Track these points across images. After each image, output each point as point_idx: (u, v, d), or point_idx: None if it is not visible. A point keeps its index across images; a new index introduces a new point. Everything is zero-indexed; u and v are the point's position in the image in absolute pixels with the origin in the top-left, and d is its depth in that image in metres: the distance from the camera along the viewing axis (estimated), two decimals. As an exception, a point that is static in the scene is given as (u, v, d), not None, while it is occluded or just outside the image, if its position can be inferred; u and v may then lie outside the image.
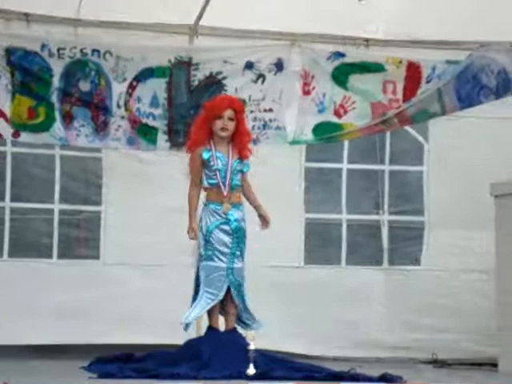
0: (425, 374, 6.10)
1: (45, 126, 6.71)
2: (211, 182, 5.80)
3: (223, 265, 5.73)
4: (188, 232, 5.77)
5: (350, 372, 5.58)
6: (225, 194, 5.76)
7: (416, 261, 7.54)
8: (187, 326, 5.74)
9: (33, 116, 6.68)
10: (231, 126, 5.79)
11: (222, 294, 5.72)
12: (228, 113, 5.79)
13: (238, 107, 5.86)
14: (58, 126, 6.72)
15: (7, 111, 6.64)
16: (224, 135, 5.80)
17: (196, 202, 5.85)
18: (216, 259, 5.74)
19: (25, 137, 6.71)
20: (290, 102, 7.09)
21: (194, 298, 5.80)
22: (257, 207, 5.89)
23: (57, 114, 6.72)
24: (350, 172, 7.56)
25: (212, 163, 5.78)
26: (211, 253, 5.75)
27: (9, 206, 7.05)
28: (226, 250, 5.74)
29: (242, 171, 5.84)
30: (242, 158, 5.84)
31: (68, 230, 7.16)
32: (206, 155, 5.80)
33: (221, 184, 5.77)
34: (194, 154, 5.83)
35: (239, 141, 5.83)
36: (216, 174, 5.77)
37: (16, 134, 6.71)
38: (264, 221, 5.87)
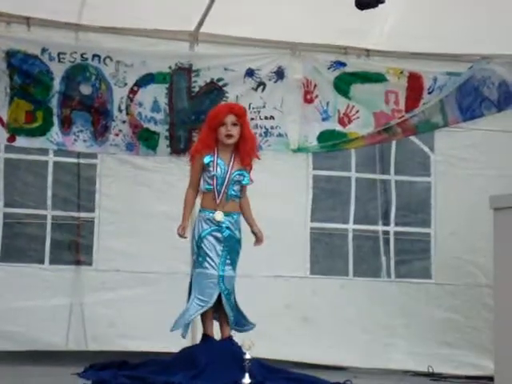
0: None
1: (42, 131, 6.68)
2: (207, 187, 5.79)
3: (214, 272, 5.71)
4: (178, 229, 5.74)
5: (346, 383, 5.55)
6: (217, 201, 5.74)
7: (423, 273, 7.48)
8: (185, 331, 5.71)
9: (30, 120, 6.65)
10: (235, 131, 5.79)
11: (212, 302, 5.70)
12: (230, 118, 5.78)
13: (239, 111, 5.85)
14: (55, 130, 6.69)
15: (4, 115, 6.60)
16: (230, 142, 5.79)
17: (191, 203, 5.87)
18: (208, 266, 5.72)
19: (20, 141, 6.68)
20: (291, 110, 7.07)
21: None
22: (251, 224, 5.89)
23: (55, 119, 6.69)
24: (357, 181, 7.50)
25: (211, 168, 5.77)
26: (202, 259, 5.74)
27: (2, 211, 7.00)
28: (216, 257, 5.72)
29: (241, 183, 5.82)
30: (244, 167, 5.82)
31: (61, 235, 7.12)
32: (206, 160, 5.80)
33: (215, 191, 5.75)
34: (196, 157, 5.83)
35: (243, 146, 5.82)
36: (213, 180, 5.75)
37: (11, 139, 6.67)
38: (258, 238, 5.87)
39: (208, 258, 5.73)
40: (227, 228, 5.77)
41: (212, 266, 5.73)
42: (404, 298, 7.36)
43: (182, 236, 5.79)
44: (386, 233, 7.49)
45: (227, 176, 5.77)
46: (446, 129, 7.13)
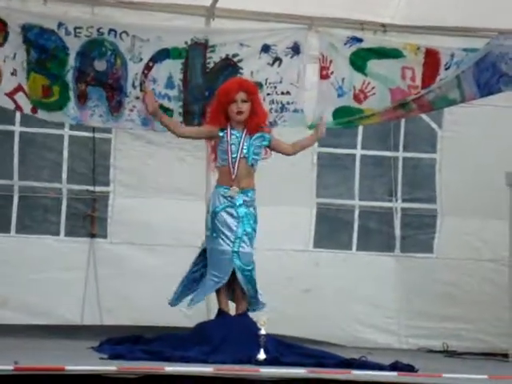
0: (436, 364, 6.06)
1: (59, 105, 6.67)
2: (223, 158, 5.78)
3: (228, 248, 5.72)
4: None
5: (361, 359, 5.57)
6: (233, 176, 5.76)
7: (428, 248, 7.50)
8: (191, 303, 5.77)
9: (47, 94, 6.64)
10: (246, 107, 5.78)
11: (226, 277, 5.72)
12: (241, 95, 5.78)
13: (250, 88, 5.85)
14: (72, 105, 6.69)
15: (25, 86, 6.60)
16: (240, 118, 5.79)
17: (170, 122, 6.00)
18: (222, 242, 5.74)
19: (41, 113, 6.68)
20: (307, 86, 7.04)
21: (188, 278, 5.82)
22: (309, 139, 5.99)
23: (71, 94, 6.67)
24: (363, 158, 7.51)
25: (226, 139, 5.76)
26: (216, 235, 5.76)
27: (17, 184, 7.03)
28: (231, 233, 5.73)
29: (261, 145, 5.83)
30: (260, 130, 5.81)
31: (76, 209, 7.14)
32: (221, 132, 5.80)
33: (230, 163, 5.76)
34: (209, 124, 5.91)
35: (254, 122, 5.81)
36: (228, 154, 5.75)
37: (34, 110, 6.67)
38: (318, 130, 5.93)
39: (222, 234, 5.74)
40: (241, 205, 5.77)
41: (226, 243, 5.74)
42: (410, 272, 7.36)
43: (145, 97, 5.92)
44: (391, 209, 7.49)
45: (242, 143, 5.77)
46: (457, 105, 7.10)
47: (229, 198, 5.78)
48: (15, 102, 6.59)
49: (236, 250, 5.74)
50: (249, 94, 5.80)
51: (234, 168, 5.78)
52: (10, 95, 6.57)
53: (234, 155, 5.77)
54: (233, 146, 5.77)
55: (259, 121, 5.84)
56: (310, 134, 6.11)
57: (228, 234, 5.75)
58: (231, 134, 5.80)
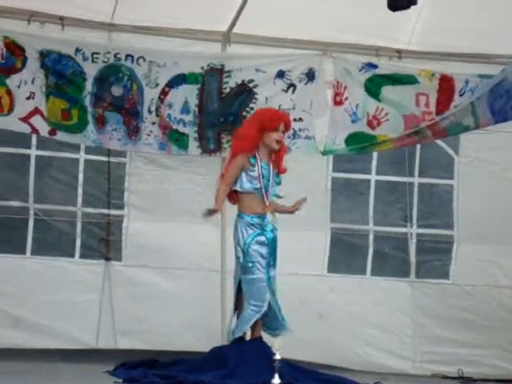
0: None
1: (78, 128, 6.72)
2: (253, 186, 5.82)
3: (262, 276, 5.75)
4: (209, 209, 5.75)
5: (376, 385, 5.57)
6: (267, 202, 5.80)
7: (444, 274, 7.49)
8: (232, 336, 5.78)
9: (66, 117, 6.69)
10: (283, 139, 5.86)
11: (266, 305, 5.77)
12: (282, 126, 5.89)
13: (288, 122, 6.02)
14: (91, 128, 6.73)
15: (43, 110, 6.65)
16: (277, 148, 5.88)
17: (224, 196, 5.90)
18: (256, 271, 5.78)
19: (61, 135, 6.73)
20: (320, 112, 7.07)
21: (234, 311, 5.84)
22: (285, 210, 5.95)
23: (89, 117, 6.72)
24: (379, 183, 7.52)
25: (256, 168, 5.79)
26: (252, 265, 5.80)
27: (33, 207, 7.07)
28: (263, 260, 5.77)
29: (278, 185, 5.91)
30: (278, 171, 5.89)
31: (91, 232, 7.18)
32: (252, 160, 5.84)
33: (263, 191, 5.79)
34: (240, 157, 5.87)
35: (280, 155, 5.88)
36: (259, 180, 5.78)
37: (52, 132, 6.72)
38: (297, 205, 5.91)
39: (257, 264, 5.79)
40: (271, 231, 5.83)
41: (260, 271, 5.78)
42: (423, 298, 7.36)
43: (207, 215, 5.76)
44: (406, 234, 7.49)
45: (271, 177, 5.83)
46: (472, 131, 7.11)
47: (258, 226, 5.81)
48: (31, 125, 6.65)
49: (267, 275, 5.79)
50: (286, 128, 5.90)
51: (267, 195, 5.83)
52: (25, 119, 6.62)
53: (267, 182, 5.82)
54: (264, 179, 5.83)
55: (282, 155, 5.94)
56: (291, 205, 6.03)
57: (261, 261, 5.79)
58: (261, 166, 5.86)
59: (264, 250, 5.79)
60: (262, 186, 5.82)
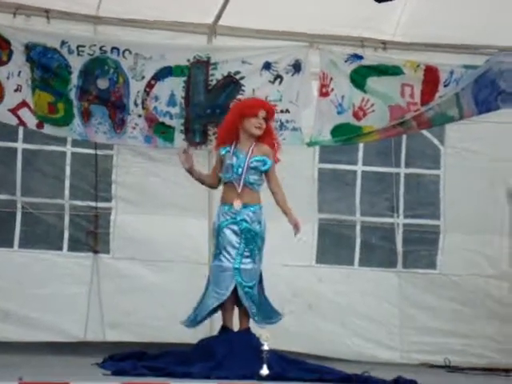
0: (438, 379, 6.08)
1: (65, 121, 6.73)
2: (227, 175, 5.85)
3: (229, 265, 5.75)
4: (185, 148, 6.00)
5: (364, 375, 5.60)
6: (238, 190, 5.80)
7: (430, 264, 7.52)
8: (192, 323, 5.78)
9: (53, 111, 6.69)
10: (264, 125, 5.87)
11: (227, 294, 5.74)
12: (262, 113, 5.89)
13: (270, 109, 6.03)
14: (77, 122, 6.73)
15: (30, 103, 6.64)
16: (258, 133, 5.90)
17: (204, 175, 6.08)
18: (223, 259, 5.78)
19: (48, 128, 6.73)
20: (306, 104, 7.08)
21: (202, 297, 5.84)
22: (285, 214, 5.90)
23: (75, 111, 6.72)
24: (365, 174, 7.55)
25: (228, 159, 5.82)
26: (219, 251, 5.80)
27: (20, 201, 7.07)
28: (233, 250, 5.77)
29: (259, 169, 5.87)
30: (265, 154, 5.87)
31: (79, 225, 7.18)
32: (223, 151, 5.86)
33: (233, 180, 5.81)
34: (217, 150, 6.03)
35: (267, 140, 5.90)
36: (230, 170, 5.82)
37: (40, 125, 6.72)
38: (294, 227, 5.88)
39: (224, 251, 5.78)
40: (243, 220, 5.81)
41: (227, 259, 5.77)
42: (410, 288, 7.39)
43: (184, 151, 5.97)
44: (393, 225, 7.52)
45: (245, 164, 5.83)
46: (457, 122, 7.13)
47: (231, 214, 5.82)
48: (18, 117, 6.65)
49: (237, 266, 5.77)
50: (268, 116, 5.91)
51: (238, 184, 5.83)
52: (14, 111, 6.63)
53: (235, 175, 5.83)
54: (233, 167, 5.83)
55: (270, 143, 5.91)
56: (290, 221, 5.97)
57: (230, 250, 5.79)
58: (235, 152, 5.87)
59: (236, 240, 5.79)
60: (231, 176, 5.85)
